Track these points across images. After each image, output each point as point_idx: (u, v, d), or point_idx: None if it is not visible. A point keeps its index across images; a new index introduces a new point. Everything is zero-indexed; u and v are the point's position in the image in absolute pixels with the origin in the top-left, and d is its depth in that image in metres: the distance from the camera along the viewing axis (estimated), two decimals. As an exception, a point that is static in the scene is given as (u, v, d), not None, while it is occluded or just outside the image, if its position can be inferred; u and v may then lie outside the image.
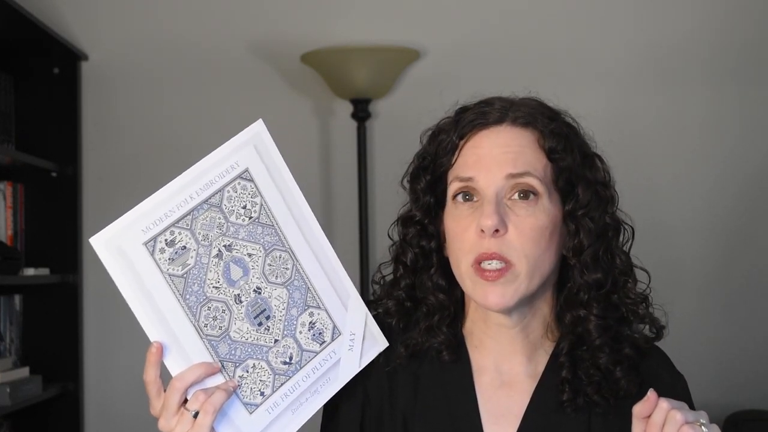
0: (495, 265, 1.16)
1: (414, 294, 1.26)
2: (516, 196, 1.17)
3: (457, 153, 1.21)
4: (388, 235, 1.30)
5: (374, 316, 1.25)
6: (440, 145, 1.23)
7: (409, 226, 1.26)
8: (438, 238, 1.25)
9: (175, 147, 2.93)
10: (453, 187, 1.21)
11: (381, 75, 2.80)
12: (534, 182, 1.17)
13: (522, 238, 1.16)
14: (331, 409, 1.25)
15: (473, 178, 1.18)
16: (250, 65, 2.98)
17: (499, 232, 1.15)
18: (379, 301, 1.29)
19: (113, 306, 2.85)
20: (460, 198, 1.20)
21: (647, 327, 1.24)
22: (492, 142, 1.19)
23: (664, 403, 1.07)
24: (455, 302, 1.26)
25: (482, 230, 1.15)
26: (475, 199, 1.19)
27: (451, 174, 1.22)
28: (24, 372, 2.60)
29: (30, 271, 2.65)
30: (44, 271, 2.72)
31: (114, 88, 2.98)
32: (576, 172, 1.20)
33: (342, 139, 2.96)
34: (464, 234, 1.18)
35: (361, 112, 2.83)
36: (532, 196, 1.17)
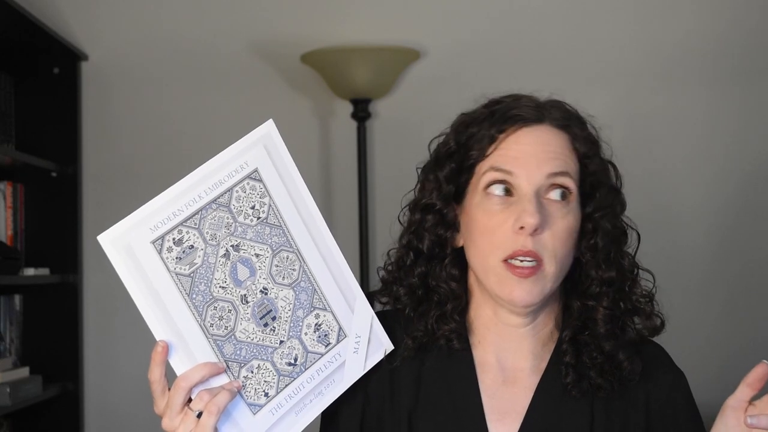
0: (527, 263, 1.17)
1: (426, 282, 1.26)
2: (552, 195, 1.19)
3: (494, 145, 1.21)
4: (399, 220, 1.30)
5: (378, 314, 1.25)
6: (473, 137, 1.23)
7: (428, 213, 1.26)
8: (453, 228, 1.25)
9: (175, 147, 2.93)
10: (488, 177, 1.20)
11: (381, 75, 2.80)
12: (570, 183, 1.20)
13: (554, 239, 1.18)
14: (330, 411, 1.24)
15: (513, 173, 1.19)
16: (250, 65, 2.98)
17: (538, 231, 1.16)
18: (385, 290, 1.28)
19: (113, 306, 2.84)
20: (496, 190, 1.20)
21: (648, 321, 1.26)
22: (534, 139, 1.20)
23: None
24: (466, 292, 1.27)
25: (521, 227, 1.16)
26: (510, 193, 1.19)
27: (485, 164, 1.21)
28: (24, 372, 2.59)
29: (30, 271, 2.64)
30: (44, 271, 2.72)
31: (114, 88, 2.97)
32: (599, 176, 1.23)
33: (342, 139, 2.96)
34: (498, 229, 1.18)
35: (361, 112, 2.83)
36: (567, 196, 1.19)
